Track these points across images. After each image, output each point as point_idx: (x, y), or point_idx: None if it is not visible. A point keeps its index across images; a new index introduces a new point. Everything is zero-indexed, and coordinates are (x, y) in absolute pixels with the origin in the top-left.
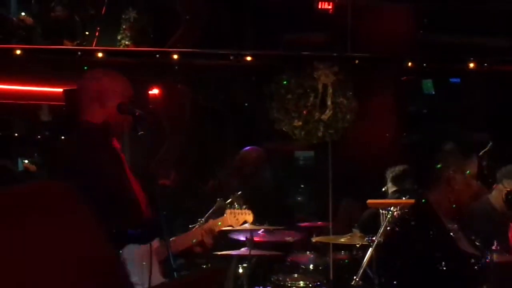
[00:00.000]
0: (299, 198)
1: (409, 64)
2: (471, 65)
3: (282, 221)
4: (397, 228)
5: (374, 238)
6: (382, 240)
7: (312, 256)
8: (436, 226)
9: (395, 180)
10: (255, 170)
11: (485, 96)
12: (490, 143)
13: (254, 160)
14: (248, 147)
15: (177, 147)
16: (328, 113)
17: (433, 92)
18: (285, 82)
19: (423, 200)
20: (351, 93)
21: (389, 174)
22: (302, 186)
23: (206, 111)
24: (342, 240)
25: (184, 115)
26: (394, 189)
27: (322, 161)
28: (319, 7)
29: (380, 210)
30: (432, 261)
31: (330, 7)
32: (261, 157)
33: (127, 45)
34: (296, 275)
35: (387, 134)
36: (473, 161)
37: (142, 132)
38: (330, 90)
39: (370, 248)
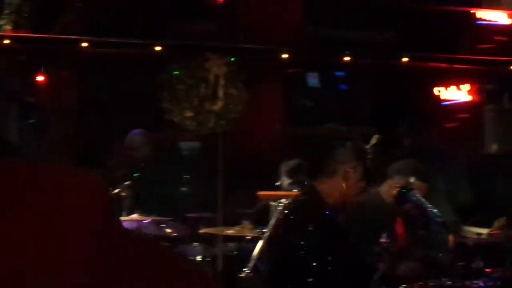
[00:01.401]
0: (185, 189)
1: (296, 56)
2: (356, 58)
3: (169, 212)
4: (279, 219)
5: (265, 230)
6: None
7: (199, 247)
8: (323, 220)
9: (289, 173)
10: (142, 153)
11: (369, 90)
12: (377, 137)
13: (141, 142)
14: (135, 130)
15: (61, 136)
16: (219, 104)
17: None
18: (176, 72)
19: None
20: (242, 84)
21: (284, 167)
22: (189, 176)
23: (93, 100)
24: (231, 231)
25: (69, 104)
26: (289, 181)
27: (210, 152)
28: None
29: (271, 202)
30: (313, 253)
31: None
32: (148, 140)
33: (9, 30)
34: None
35: (277, 127)
36: (363, 160)
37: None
38: (222, 81)
39: (261, 240)
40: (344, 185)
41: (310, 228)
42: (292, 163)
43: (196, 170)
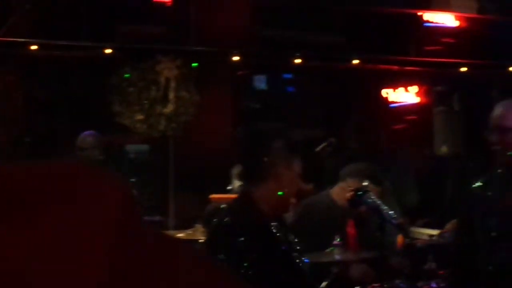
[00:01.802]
0: (134, 192)
1: (245, 59)
2: (305, 61)
3: None
4: (215, 225)
5: None
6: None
7: None
8: (254, 224)
9: (240, 177)
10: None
11: (320, 92)
12: (329, 139)
13: (91, 143)
14: (86, 132)
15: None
16: (170, 106)
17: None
18: (127, 75)
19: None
20: (193, 87)
21: (234, 170)
22: (139, 180)
23: (41, 102)
24: (182, 235)
25: (16, 106)
26: (240, 184)
27: (160, 155)
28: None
29: (223, 205)
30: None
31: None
32: (99, 142)
33: None
34: None
35: (226, 129)
36: (297, 159)
37: None
38: (172, 84)
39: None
40: (279, 188)
41: (242, 238)
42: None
43: (147, 173)
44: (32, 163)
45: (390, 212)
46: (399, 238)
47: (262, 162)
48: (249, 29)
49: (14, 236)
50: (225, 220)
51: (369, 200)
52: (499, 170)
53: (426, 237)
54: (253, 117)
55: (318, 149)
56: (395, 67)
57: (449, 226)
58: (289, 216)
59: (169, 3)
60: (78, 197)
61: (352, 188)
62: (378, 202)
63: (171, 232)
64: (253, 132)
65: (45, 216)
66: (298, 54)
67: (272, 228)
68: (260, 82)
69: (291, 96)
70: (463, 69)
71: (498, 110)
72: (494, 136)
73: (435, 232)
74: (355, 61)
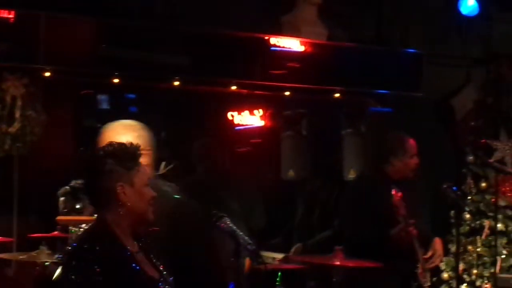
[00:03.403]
0: None
1: (90, 78)
2: (149, 82)
3: None
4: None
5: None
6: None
7: None
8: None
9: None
10: None
11: (165, 114)
12: (172, 162)
13: None
14: None
15: None
16: (16, 125)
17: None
18: None
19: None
20: (40, 106)
21: (60, 191)
22: None
23: None
24: (25, 257)
25: None
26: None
27: (5, 175)
28: None
29: (71, 227)
30: None
31: (11, 16)
32: None
33: None
34: None
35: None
36: (140, 168)
37: None
38: (19, 102)
39: (61, 266)
40: (127, 208)
41: (97, 267)
42: (65, 188)
43: None
44: None
45: (245, 238)
46: (247, 262)
47: (99, 187)
48: (97, 49)
49: None
50: (84, 246)
51: (224, 225)
52: None
53: (271, 261)
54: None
55: (160, 171)
56: (242, 91)
57: (293, 249)
58: None
59: (12, 20)
60: None
61: None
62: (234, 227)
63: (14, 254)
64: (85, 156)
65: None
66: (141, 75)
67: (133, 258)
68: (103, 102)
69: (134, 117)
70: (311, 94)
71: None
72: None
73: (280, 255)
74: (200, 84)
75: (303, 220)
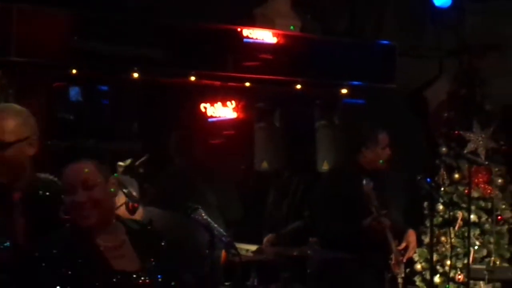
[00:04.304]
0: None
1: (63, 71)
2: (124, 74)
3: None
4: None
5: None
6: None
7: None
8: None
9: None
10: None
11: (138, 106)
12: (147, 155)
13: None
14: None
15: None
16: None
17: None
18: None
19: None
20: (12, 98)
21: None
22: None
23: None
24: None
25: None
26: None
27: None
28: None
29: None
30: None
31: None
32: None
33: None
34: None
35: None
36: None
37: None
38: None
39: None
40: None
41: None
42: None
43: None
44: None
45: (220, 230)
46: (223, 254)
47: None
48: (69, 41)
49: None
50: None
51: (199, 218)
52: None
53: (245, 252)
54: (67, 130)
55: (137, 163)
56: (215, 82)
57: (265, 240)
58: None
59: None
60: None
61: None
62: (209, 219)
63: None
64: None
65: None
66: (116, 67)
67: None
68: (76, 94)
69: (107, 109)
70: (284, 85)
71: None
72: None
73: (253, 247)
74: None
75: (275, 210)
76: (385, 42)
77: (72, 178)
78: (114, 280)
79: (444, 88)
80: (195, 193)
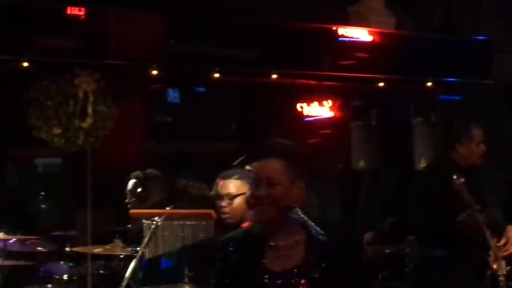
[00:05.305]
0: (44, 206)
1: (160, 73)
2: (217, 75)
3: (35, 230)
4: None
5: (138, 249)
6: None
7: (65, 266)
8: None
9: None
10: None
11: (234, 107)
12: (244, 155)
13: None
14: None
15: None
16: (88, 120)
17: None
18: (45, 89)
19: None
20: (111, 101)
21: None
22: (50, 194)
23: None
24: (100, 250)
25: None
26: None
27: (78, 169)
28: (68, 12)
29: (144, 221)
30: None
31: (81, 13)
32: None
33: None
34: (49, 286)
35: (140, 144)
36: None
37: None
38: (91, 98)
39: (134, 259)
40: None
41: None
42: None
43: (66, 188)
44: None
45: (317, 228)
46: None
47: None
48: (165, 43)
49: None
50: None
51: (295, 216)
52: None
53: None
54: (165, 132)
55: (235, 163)
56: (311, 82)
57: (365, 237)
58: None
59: (83, 17)
60: None
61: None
62: (305, 218)
63: (88, 247)
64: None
65: None
66: (215, 69)
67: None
68: (174, 96)
69: (207, 111)
70: (380, 84)
71: None
72: None
73: None
74: (272, 76)
75: (372, 209)
76: (481, 37)
77: (259, 173)
78: (266, 280)
79: None
80: None
